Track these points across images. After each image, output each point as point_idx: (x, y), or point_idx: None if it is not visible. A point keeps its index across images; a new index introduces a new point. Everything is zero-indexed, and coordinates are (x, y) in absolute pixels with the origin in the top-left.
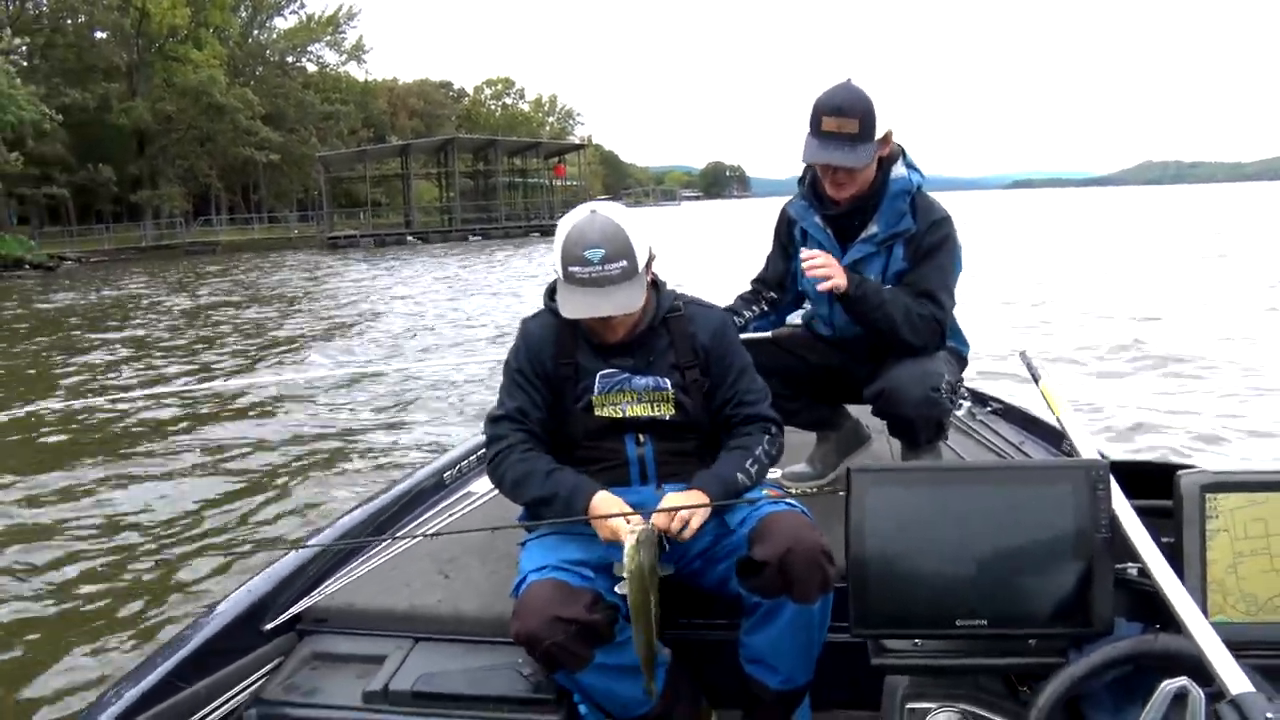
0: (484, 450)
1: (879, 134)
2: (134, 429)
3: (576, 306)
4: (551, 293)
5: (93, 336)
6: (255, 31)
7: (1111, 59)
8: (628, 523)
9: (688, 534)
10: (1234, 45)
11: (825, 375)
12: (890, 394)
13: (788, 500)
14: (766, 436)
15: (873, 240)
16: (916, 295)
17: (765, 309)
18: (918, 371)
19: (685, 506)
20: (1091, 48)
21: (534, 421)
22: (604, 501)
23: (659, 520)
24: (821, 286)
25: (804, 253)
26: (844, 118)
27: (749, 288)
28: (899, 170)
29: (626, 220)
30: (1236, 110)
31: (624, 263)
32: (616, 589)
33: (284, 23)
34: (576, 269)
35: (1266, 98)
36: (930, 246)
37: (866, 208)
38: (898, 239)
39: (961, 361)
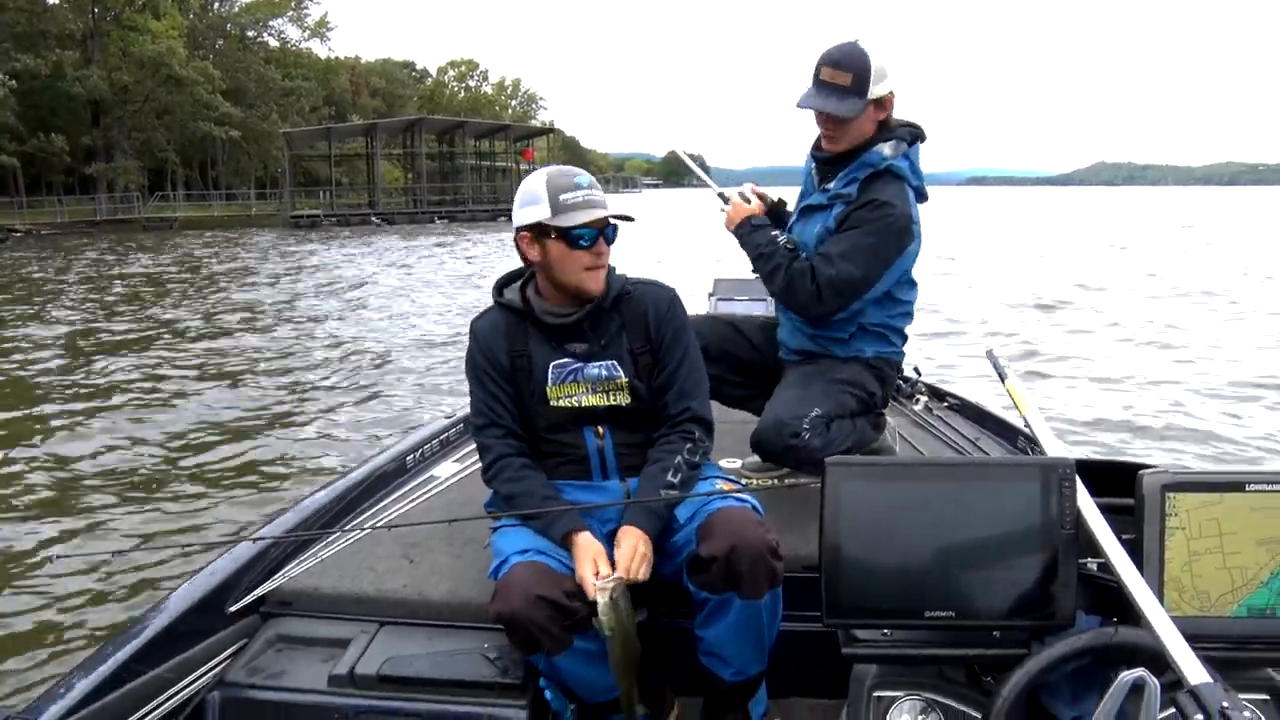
0: (447, 434)
1: (874, 94)
2: (69, 408)
3: (584, 216)
4: (500, 288)
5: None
6: (216, 4)
7: (1067, 59)
8: (596, 576)
9: (644, 576)
10: (1186, 53)
11: (773, 368)
12: (757, 446)
13: (738, 495)
14: (688, 444)
15: (826, 193)
16: (819, 255)
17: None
18: (776, 419)
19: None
20: (1047, 47)
21: (511, 421)
22: (581, 546)
23: (619, 569)
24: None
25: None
26: (838, 70)
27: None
28: (883, 148)
29: None
30: (1186, 116)
31: (602, 191)
32: (595, 622)
33: None
34: (569, 195)
35: (1214, 105)
36: (856, 220)
37: (843, 162)
38: (839, 201)
39: (884, 368)
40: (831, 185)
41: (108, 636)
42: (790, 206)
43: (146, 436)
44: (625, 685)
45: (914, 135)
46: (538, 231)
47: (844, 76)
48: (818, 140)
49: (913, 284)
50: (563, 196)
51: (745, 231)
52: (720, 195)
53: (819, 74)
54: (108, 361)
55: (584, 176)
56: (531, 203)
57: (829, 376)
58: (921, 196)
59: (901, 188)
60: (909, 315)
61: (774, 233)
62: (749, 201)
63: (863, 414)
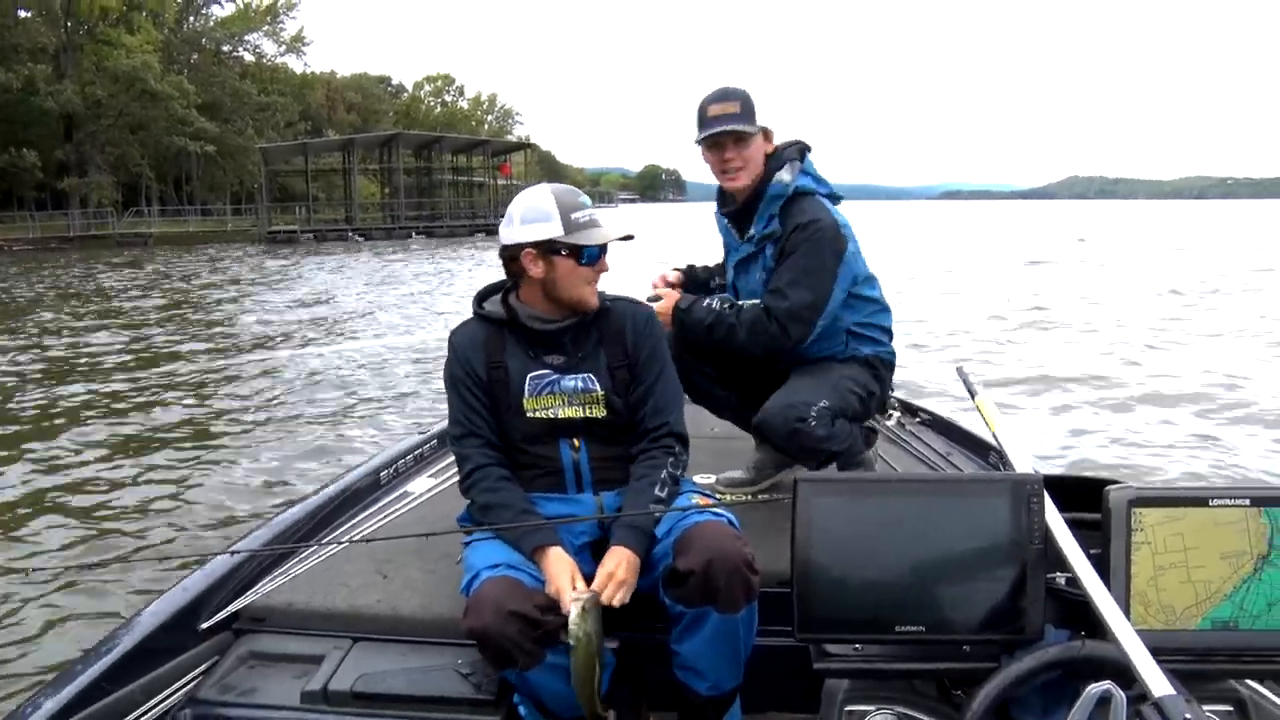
0: (421, 450)
1: (761, 121)
2: (42, 423)
3: (604, 234)
4: (481, 299)
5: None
6: (191, 18)
7: (1039, 74)
8: (573, 589)
9: (619, 601)
10: (1157, 68)
11: (753, 367)
12: (760, 428)
13: (715, 510)
14: (670, 459)
15: (751, 241)
16: (770, 293)
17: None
18: (785, 402)
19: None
20: (1018, 61)
21: (490, 432)
22: (555, 560)
23: (598, 587)
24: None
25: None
26: (726, 101)
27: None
28: (781, 175)
29: None
30: (1158, 130)
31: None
32: (562, 637)
33: (221, 10)
34: (580, 214)
35: (1185, 120)
36: (791, 249)
37: (753, 208)
38: (768, 241)
39: (880, 367)
40: (752, 231)
41: (77, 654)
42: (696, 264)
43: (119, 450)
44: (584, 697)
45: (800, 151)
46: (546, 248)
47: (732, 105)
48: (719, 198)
49: (872, 280)
50: (574, 215)
51: (683, 318)
52: None
53: (706, 113)
54: (83, 374)
55: (585, 198)
56: (540, 220)
57: (835, 373)
58: (835, 200)
59: (815, 201)
60: (886, 311)
61: (705, 302)
62: (659, 299)
63: (862, 417)
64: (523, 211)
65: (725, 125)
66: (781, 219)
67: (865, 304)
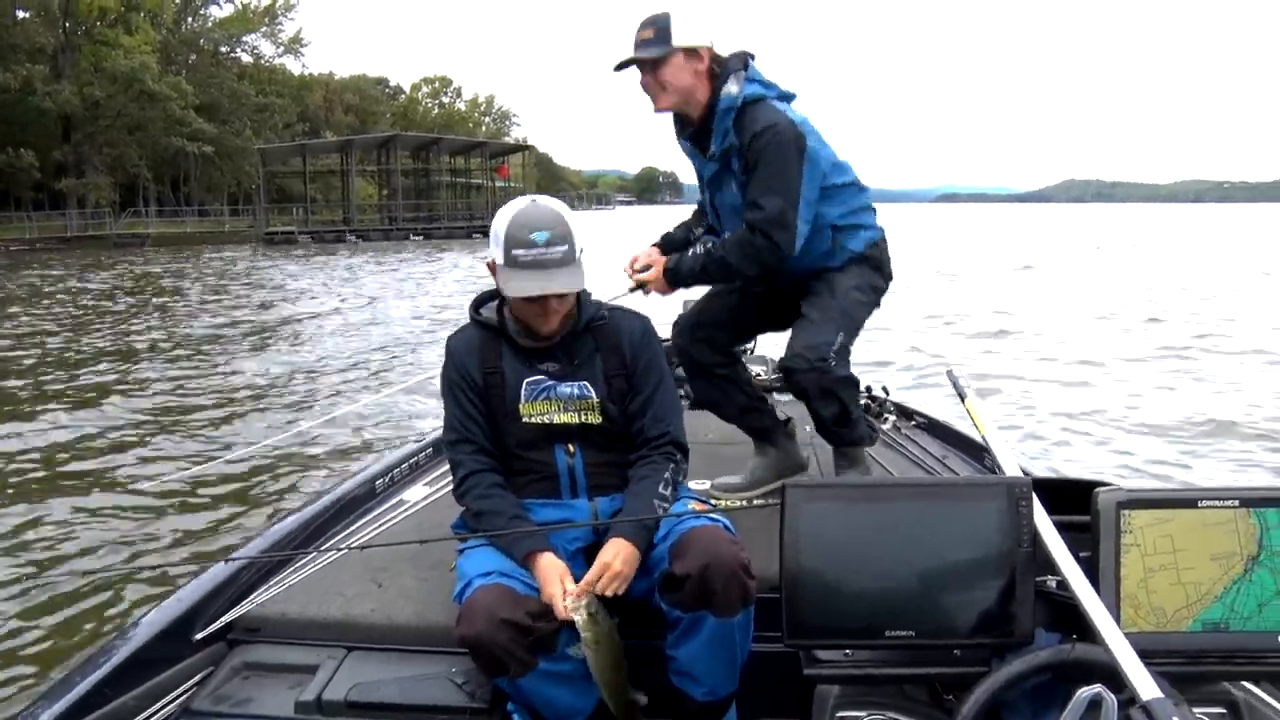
0: (416, 458)
1: (681, 42)
2: (33, 427)
3: (522, 286)
4: (477, 305)
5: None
6: (189, 19)
7: (1037, 76)
8: (564, 596)
9: (612, 592)
10: (1154, 72)
11: (757, 311)
12: (785, 371)
13: (711, 515)
14: (671, 465)
15: (714, 159)
16: (747, 208)
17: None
18: (805, 344)
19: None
20: (1016, 64)
21: (484, 438)
22: (546, 566)
23: (591, 580)
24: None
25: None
26: (644, 29)
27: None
28: (728, 88)
29: (565, 208)
30: (1155, 134)
31: (565, 247)
32: (571, 650)
33: (219, 11)
34: (521, 251)
35: (1182, 124)
36: (754, 159)
37: (706, 129)
38: (730, 154)
39: (875, 251)
40: (712, 149)
41: (73, 664)
42: (671, 229)
43: (114, 455)
44: (613, 696)
45: (744, 60)
46: (495, 269)
47: (648, 32)
48: (676, 125)
49: (841, 166)
50: (515, 251)
51: (675, 278)
52: (636, 290)
53: (635, 42)
54: (75, 376)
55: (543, 231)
56: (494, 240)
57: (839, 291)
58: (787, 99)
59: (767, 106)
60: (862, 190)
61: (689, 252)
62: (648, 269)
63: (874, 306)
64: (494, 224)
65: (631, 55)
66: (737, 130)
67: (842, 191)
